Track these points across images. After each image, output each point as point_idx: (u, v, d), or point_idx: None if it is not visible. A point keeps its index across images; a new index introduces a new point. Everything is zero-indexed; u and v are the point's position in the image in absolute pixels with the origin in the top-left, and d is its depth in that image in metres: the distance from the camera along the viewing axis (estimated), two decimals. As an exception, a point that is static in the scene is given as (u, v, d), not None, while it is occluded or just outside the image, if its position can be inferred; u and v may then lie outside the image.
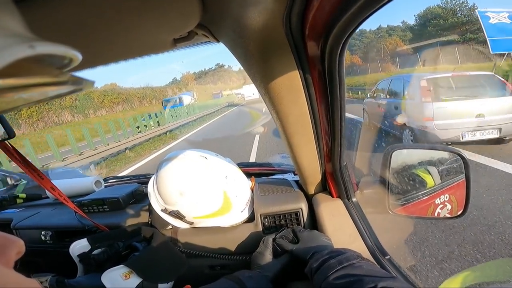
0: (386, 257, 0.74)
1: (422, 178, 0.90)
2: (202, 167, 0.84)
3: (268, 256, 0.73)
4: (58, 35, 0.40)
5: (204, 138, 10.44)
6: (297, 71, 0.52)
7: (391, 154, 0.80)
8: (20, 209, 1.30)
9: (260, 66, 0.52)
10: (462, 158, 0.76)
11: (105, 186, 1.28)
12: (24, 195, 1.41)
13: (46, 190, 0.93)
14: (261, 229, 0.89)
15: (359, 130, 6.12)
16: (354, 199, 0.89)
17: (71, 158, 7.89)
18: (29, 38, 0.17)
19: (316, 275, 0.57)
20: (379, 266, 0.60)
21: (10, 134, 0.77)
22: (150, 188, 0.91)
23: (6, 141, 0.79)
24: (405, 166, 0.88)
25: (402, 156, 0.85)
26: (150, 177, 0.98)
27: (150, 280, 0.71)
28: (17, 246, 0.24)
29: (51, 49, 0.18)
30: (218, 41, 0.54)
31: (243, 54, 0.52)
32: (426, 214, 1.01)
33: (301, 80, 0.54)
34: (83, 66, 0.62)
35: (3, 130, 0.77)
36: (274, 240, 0.76)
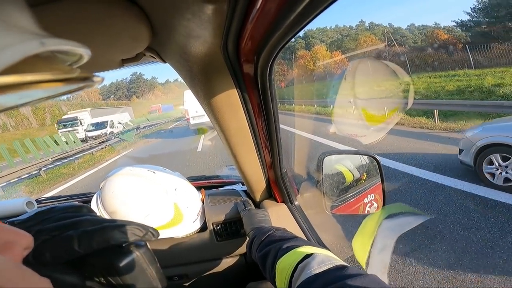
0: None
1: (342, 172, 1.04)
2: (150, 181, 0.85)
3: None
4: None
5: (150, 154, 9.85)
6: (235, 90, 0.60)
7: (323, 161, 0.92)
8: None
9: (203, 85, 0.59)
10: (376, 160, 0.92)
11: (38, 207, 1.16)
12: None
13: None
14: (214, 237, 0.93)
15: (294, 140, 6.71)
16: (296, 203, 0.99)
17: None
18: (39, 35, 0.17)
19: (251, 253, 0.69)
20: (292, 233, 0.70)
21: None
22: (94, 206, 0.88)
23: None
24: (335, 171, 1.03)
25: (333, 162, 0.99)
26: (91, 196, 0.94)
27: None
28: (26, 241, 0.23)
29: (61, 46, 0.18)
30: (165, 62, 0.60)
31: (188, 75, 0.59)
32: (358, 212, 1.17)
33: (239, 97, 0.62)
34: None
35: None
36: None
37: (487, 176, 3.45)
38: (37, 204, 1.17)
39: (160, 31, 0.46)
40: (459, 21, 23.53)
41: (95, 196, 0.91)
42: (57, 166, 9.75)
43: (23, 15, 0.18)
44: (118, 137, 14.83)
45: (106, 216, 0.84)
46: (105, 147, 12.57)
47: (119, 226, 0.45)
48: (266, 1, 0.34)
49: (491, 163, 3.44)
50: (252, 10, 0.38)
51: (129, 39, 0.46)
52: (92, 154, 11.32)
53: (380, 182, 0.97)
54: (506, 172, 3.30)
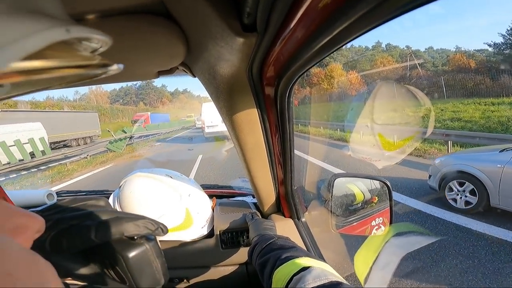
0: None
1: (353, 192, 1.05)
2: (167, 185, 0.90)
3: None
4: None
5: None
6: (256, 109, 0.65)
7: (334, 181, 0.94)
8: None
9: (227, 102, 0.64)
10: (387, 185, 0.93)
11: (58, 200, 1.23)
12: None
13: None
14: (219, 244, 0.96)
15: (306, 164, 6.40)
16: (303, 219, 1.01)
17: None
18: (66, 21, 0.17)
19: (252, 259, 0.70)
20: (294, 242, 0.70)
21: None
22: (111, 203, 0.93)
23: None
24: (346, 190, 1.04)
25: (344, 183, 1.01)
26: (109, 193, 0.99)
27: None
28: (38, 225, 0.23)
29: (85, 33, 0.19)
30: (195, 76, 0.65)
31: (215, 91, 0.64)
32: (364, 234, 1.17)
33: (259, 116, 0.66)
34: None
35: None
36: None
37: (451, 201, 3.86)
38: (57, 196, 1.23)
39: (194, 50, 0.51)
40: (492, 43, 22.07)
41: (113, 193, 0.96)
42: (22, 175, 8.19)
43: (50, 2, 0.18)
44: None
45: None
46: (87, 157, 10.44)
47: (133, 218, 0.47)
48: (292, 34, 0.38)
49: (451, 189, 3.89)
50: (277, 42, 0.42)
51: (167, 55, 0.52)
52: (66, 165, 9.44)
53: (389, 207, 0.97)
54: (465, 196, 3.73)
